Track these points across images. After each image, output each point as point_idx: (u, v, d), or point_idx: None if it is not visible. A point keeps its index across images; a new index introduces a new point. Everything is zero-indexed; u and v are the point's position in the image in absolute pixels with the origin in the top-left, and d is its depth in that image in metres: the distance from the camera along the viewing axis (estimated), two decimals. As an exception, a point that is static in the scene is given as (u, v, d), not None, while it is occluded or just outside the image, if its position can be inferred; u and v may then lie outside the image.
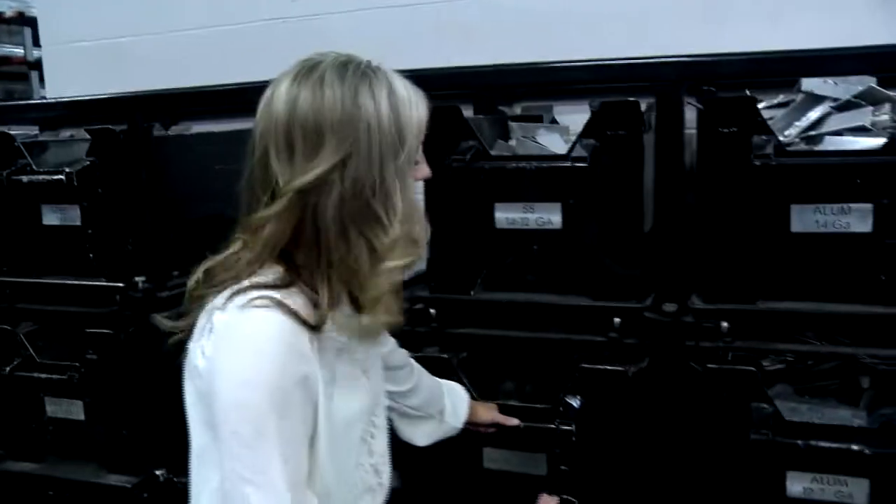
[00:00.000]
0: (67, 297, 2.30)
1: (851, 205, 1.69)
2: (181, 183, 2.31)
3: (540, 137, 2.08)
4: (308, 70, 1.23)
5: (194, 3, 2.96)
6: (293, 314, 1.17)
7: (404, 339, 1.96)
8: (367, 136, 1.20)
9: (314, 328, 1.19)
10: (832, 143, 1.81)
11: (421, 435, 1.74)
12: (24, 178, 2.23)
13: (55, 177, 2.16)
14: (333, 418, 1.24)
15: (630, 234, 1.84)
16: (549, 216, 1.86)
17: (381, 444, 1.42)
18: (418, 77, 2.04)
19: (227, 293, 1.20)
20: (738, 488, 1.77)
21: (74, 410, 2.32)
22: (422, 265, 2.04)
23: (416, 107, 1.27)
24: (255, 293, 1.18)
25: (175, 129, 2.62)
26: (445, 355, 1.92)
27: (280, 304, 1.17)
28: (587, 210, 1.83)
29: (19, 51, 6.41)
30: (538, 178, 1.85)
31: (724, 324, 1.76)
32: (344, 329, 1.27)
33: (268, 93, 1.25)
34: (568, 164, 1.80)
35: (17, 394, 2.35)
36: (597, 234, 1.84)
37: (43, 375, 2.30)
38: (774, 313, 1.77)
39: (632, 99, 1.77)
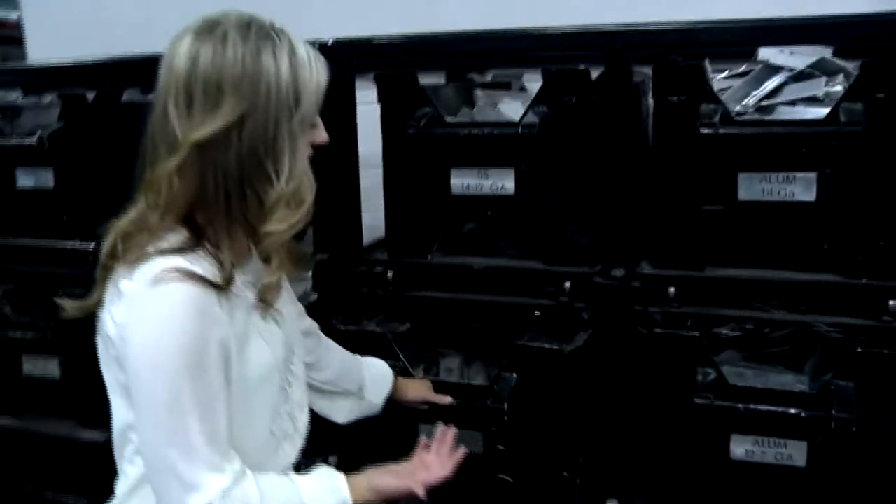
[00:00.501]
0: (41, 258, 2.34)
1: (796, 174, 1.71)
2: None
3: (502, 105, 2.10)
4: (209, 27, 1.24)
5: None
6: (200, 280, 1.20)
7: (362, 301, 2.02)
8: (266, 97, 1.22)
9: (221, 288, 1.22)
10: (786, 113, 1.83)
11: (339, 412, 1.73)
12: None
13: (27, 141, 2.19)
14: (249, 373, 1.27)
15: (581, 200, 1.87)
16: (503, 182, 1.89)
17: (298, 392, 1.46)
18: (386, 44, 2.10)
19: (132, 259, 1.23)
20: (683, 452, 1.81)
21: (50, 369, 2.38)
22: (380, 231, 2.08)
23: (315, 70, 1.29)
24: (162, 262, 1.21)
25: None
26: (379, 329, 1.95)
27: (188, 274, 1.19)
28: (539, 176, 1.86)
29: (14, 15, 6.43)
30: (491, 145, 1.87)
31: (672, 289, 1.80)
32: (252, 285, 1.32)
33: (169, 49, 1.26)
34: (518, 130, 1.83)
35: (-6, 353, 2.41)
36: (549, 200, 1.87)
37: (19, 334, 2.36)
38: (721, 280, 1.80)
39: (582, 67, 1.79)
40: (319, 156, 2.02)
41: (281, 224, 1.26)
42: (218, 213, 1.25)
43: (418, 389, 1.83)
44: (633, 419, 1.86)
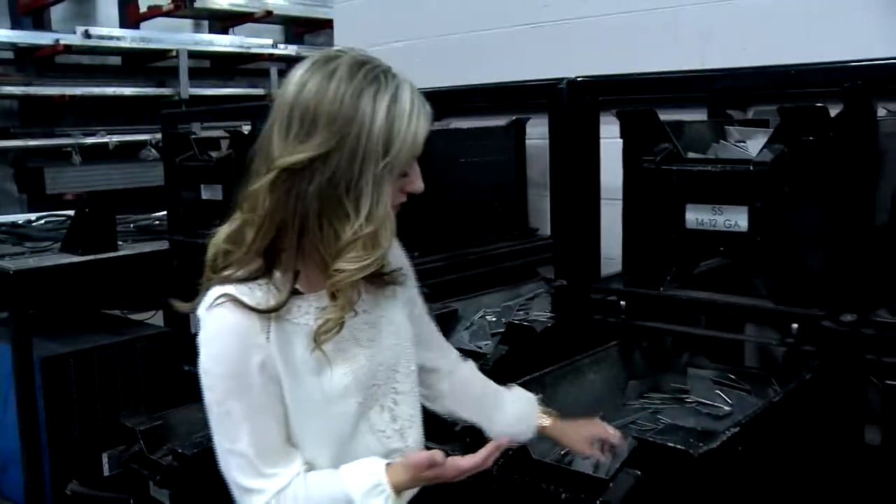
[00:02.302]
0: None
1: None
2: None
3: (750, 142, 2.09)
4: (325, 60, 1.30)
5: (457, 10, 3.31)
6: (244, 307, 1.29)
7: (594, 327, 2.10)
8: (356, 137, 1.26)
9: (268, 312, 1.30)
10: None
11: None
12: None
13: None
14: (312, 395, 1.34)
15: (815, 240, 1.82)
16: (736, 219, 1.89)
17: (406, 410, 1.46)
18: (656, 80, 2.18)
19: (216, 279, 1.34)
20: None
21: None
22: (617, 265, 2.15)
23: (414, 121, 1.30)
24: (219, 289, 1.31)
25: (438, 124, 2.94)
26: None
27: (234, 300, 1.29)
28: (773, 214, 1.84)
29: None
30: (725, 181, 1.88)
31: (907, 340, 1.69)
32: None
33: (289, 75, 1.33)
34: (749, 167, 1.82)
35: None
36: (781, 238, 1.84)
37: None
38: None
39: (819, 105, 1.75)
40: (566, 187, 2.18)
41: (352, 264, 1.28)
42: (293, 241, 1.31)
43: (584, 428, 1.68)
44: (859, 476, 1.76)
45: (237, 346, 1.29)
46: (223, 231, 1.35)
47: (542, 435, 1.67)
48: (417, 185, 1.36)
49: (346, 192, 1.27)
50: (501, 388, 1.70)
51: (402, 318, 1.49)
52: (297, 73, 1.31)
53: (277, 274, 1.33)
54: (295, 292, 1.34)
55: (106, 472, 3.30)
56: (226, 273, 1.33)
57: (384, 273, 1.42)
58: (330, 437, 1.37)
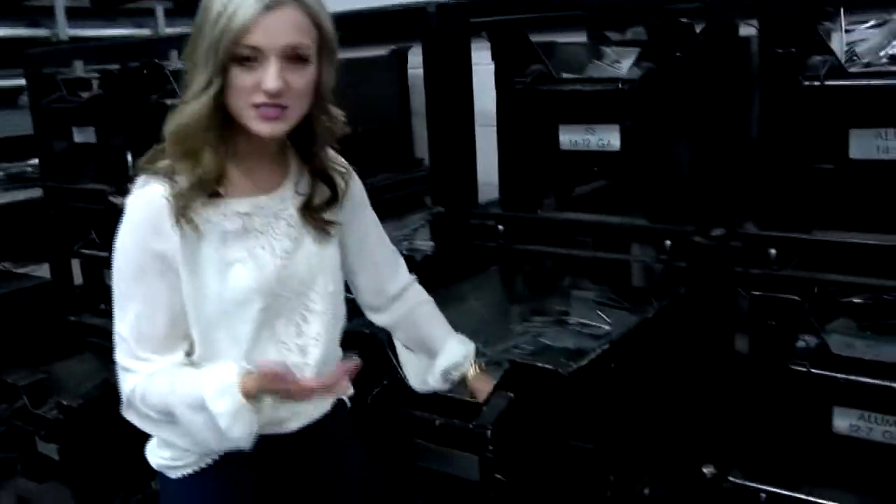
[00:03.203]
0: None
1: (914, 129, 1.58)
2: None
3: (625, 62, 2.08)
4: None
5: None
6: (159, 196, 1.34)
7: (474, 253, 2.09)
8: (198, 28, 1.34)
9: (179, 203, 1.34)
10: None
11: (410, 374, 1.70)
12: (168, 102, 2.57)
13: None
14: (212, 292, 1.38)
15: (684, 157, 1.83)
16: (609, 138, 1.89)
17: (314, 328, 1.48)
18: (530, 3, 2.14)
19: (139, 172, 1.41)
20: (782, 421, 1.74)
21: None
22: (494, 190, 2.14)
23: (242, 8, 1.30)
24: (143, 178, 1.38)
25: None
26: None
27: (152, 188, 1.35)
28: (643, 133, 1.84)
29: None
30: (596, 101, 1.88)
31: (773, 251, 1.73)
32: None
33: None
34: (619, 86, 1.82)
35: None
36: (652, 156, 1.85)
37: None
38: (830, 244, 1.70)
39: (684, 20, 1.75)
40: (442, 114, 2.14)
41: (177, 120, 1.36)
42: (208, 139, 1.37)
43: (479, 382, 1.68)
44: (730, 383, 1.81)
45: (142, 230, 1.35)
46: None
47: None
48: (267, 80, 1.32)
49: (189, 73, 1.35)
50: (446, 335, 1.70)
51: (329, 244, 1.51)
52: None
53: (199, 170, 1.35)
54: (216, 194, 1.38)
55: (-13, 430, 3.20)
56: (153, 165, 1.38)
57: (315, 205, 1.47)
58: (232, 341, 1.40)
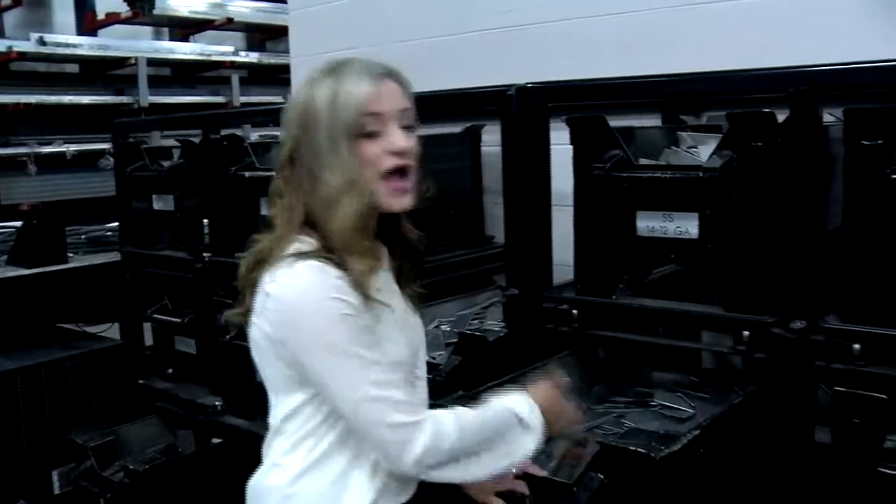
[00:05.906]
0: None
1: None
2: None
3: (702, 148, 2.07)
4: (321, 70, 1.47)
5: (413, 16, 3.28)
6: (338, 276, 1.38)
7: (548, 338, 2.08)
8: (311, 117, 1.42)
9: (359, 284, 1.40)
10: None
11: None
12: (247, 174, 2.63)
13: (270, 173, 2.52)
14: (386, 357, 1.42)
15: (763, 247, 1.80)
16: (687, 226, 1.87)
17: (421, 395, 1.55)
18: (605, 86, 2.16)
19: (274, 268, 1.42)
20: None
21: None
22: (566, 270, 2.13)
23: (352, 79, 1.41)
24: (297, 260, 1.39)
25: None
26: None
27: (318, 263, 1.38)
28: (723, 221, 1.82)
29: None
30: (675, 188, 1.87)
31: (857, 346, 1.68)
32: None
33: None
34: (699, 175, 1.81)
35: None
36: (732, 245, 1.82)
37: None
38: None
39: (766, 110, 1.74)
40: (518, 194, 2.15)
41: (345, 210, 1.40)
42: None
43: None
44: (811, 477, 1.75)
45: (343, 295, 1.37)
46: (252, 250, 1.47)
47: None
48: (395, 141, 1.42)
49: (316, 165, 1.41)
50: None
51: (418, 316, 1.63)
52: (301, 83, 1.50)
53: (373, 262, 1.42)
54: None
55: (56, 491, 3.25)
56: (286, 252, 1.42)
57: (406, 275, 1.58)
58: None
